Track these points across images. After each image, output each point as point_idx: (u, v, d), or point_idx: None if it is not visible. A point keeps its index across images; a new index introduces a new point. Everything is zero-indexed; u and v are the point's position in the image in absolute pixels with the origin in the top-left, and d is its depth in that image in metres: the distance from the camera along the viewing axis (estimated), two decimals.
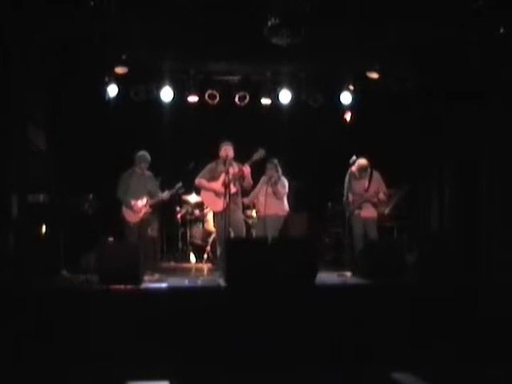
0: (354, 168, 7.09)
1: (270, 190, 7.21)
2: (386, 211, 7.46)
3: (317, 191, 8.58)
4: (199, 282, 6.44)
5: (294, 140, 8.73)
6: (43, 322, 5.03)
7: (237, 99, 8.54)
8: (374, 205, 7.11)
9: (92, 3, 5.51)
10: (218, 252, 7.03)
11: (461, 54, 6.84)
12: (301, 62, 7.95)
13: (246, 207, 7.72)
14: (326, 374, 4.58)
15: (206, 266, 7.98)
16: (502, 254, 6.56)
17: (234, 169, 6.69)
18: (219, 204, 6.69)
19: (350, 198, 7.16)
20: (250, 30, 6.21)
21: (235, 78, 8.55)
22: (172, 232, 8.50)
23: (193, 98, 8.43)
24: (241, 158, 6.84)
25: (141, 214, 6.91)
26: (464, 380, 4.54)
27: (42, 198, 6.93)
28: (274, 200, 7.22)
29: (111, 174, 7.37)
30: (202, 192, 7.04)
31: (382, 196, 7.03)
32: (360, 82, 8.37)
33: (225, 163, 6.75)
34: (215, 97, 8.44)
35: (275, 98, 8.53)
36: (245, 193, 7.23)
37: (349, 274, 6.71)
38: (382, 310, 5.43)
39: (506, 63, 6.38)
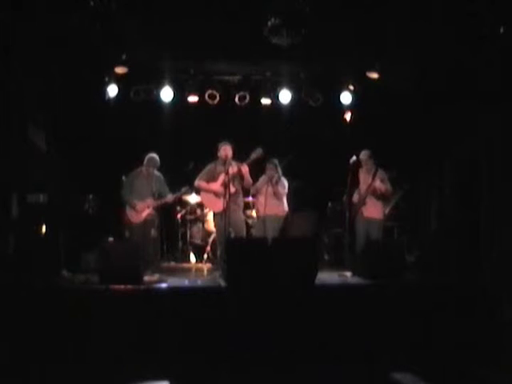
0: (362, 156, 7.11)
1: (270, 190, 7.21)
2: (386, 211, 7.45)
3: (317, 191, 8.57)
4: (199, 282, 6.44)
5: (293, 140, 8.72)
6: (43, 322, 5.03)
7: (237, 99, 8.54)
8: (379, 199, 7.09)
9: (92, 3, 5.51)
10: (218, 252, 7.03)
11: (461, 53, 6.84)
12: (301, 62, 7.95)
13: (246, 207, 7.72)
14: (325, 374, 4.59)
15: (205, 266, 7.97)
16: (502, 254, 6.55)
17: (233, 169, 6.70)
18: (219, 204, 6.69)
19: (355, 197, 7.18)
20: (250, 29, 6.21)
21: (235, 78, 8.54)
22: (172, 232, 8.50)
23: (193, 98, 8.43)
24: (241, 158, 6.84)
25: (144, 215, 6.92)
26: (464, 380, 4.55)
27: (41, 197, 6.92)
28: (273, 200, 7.23)
29: (111, 173, 7.38)
30: (202, 193, 7.05)
31: (378, 184, 6.99)
32: (360, 82, 8.36)
33: (224, 163, 6.76)
34: (215, 97, 8.43)
35: (275, 98, 8.53)
36: (246, 192, 7.24)
37: (349, 273, 6.71)
38: (382, 310, 5.43)
39: (506, 63, 6.38)
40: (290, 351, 4.99)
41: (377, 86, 8.14)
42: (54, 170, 7.61)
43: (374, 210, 7.11)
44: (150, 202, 6.95)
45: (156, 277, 6.38)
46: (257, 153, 6.70)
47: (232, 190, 6.63)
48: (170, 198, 7.05)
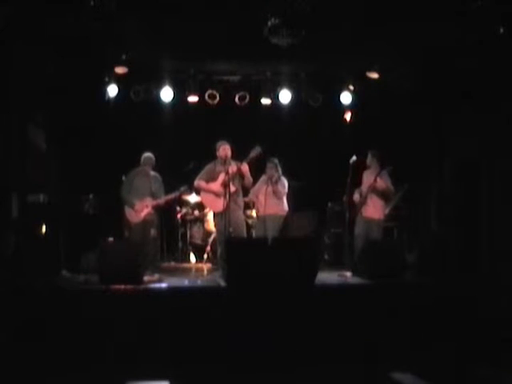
0: (368, 157, 7.19)
1: (270, 189, 7.22)
2: (386, 211, 7.46)
3: (317, 191, 8.57)
4: (199, 282, 6.44)
5: (294, 140, 8.72)
6: (43, 322, 5.03)
7: (237, 99, 8.54)
8: (380, 198, 7.10)
9: (92, 3, 5.51)
10: (218, 252, 7.03)
11: (461, 53, 6.84)
12: (301, 62, 7.95)
13: (246, 207, 7.71)
14: (326, 374, 4.59)
15: (205, 266, 7.97)
16: (502, 254, 6.56)
17: (232, 168, 6.70)
18: (219, 204, 6.69)
19: (356, 196, 7.19)
20: (250, 29, 6.20)
21: (235, 78, 8.54)
22: (172, 232, 8.49)
23: (193, 98, 8.43)
24: (241, 157, 6.84)
25: (143, 215, 6.91)
26: (464, 380, 4.55)
27: (42, 197, 6.92)
28: (274, 200, 7.23)
29: (111, 173, 7.37)
30: (202, 193, 7.04)
31: (379, 182, 7.01)
32: (360, 82, 8.36)
33: (224, 163, 6.76)
34: (215, 97, 8.44)
35: (275, 98, 8.53)
36: (246, 192, 7.25)
37: (349, 274, 6.71)
38: (382, 310, 5.43)
39: (506, 63, 6.38)
40: (290, 351, 4.99)
41: (377, 85, 8.14)
42: (54, 170, 7.62)
43: (374, 210, 7.11)
44: (149, 201, 6.95)
45: (156, 277, 6.38)
46: (256, 151, 6.70)
47: (232, 189, 6.63)
48: (167, 197, 7.06)
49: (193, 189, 7.39)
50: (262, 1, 5.83)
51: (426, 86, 7.85)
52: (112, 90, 7.93)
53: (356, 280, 6.37)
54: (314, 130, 8.79)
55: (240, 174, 6.75)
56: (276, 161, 7.31)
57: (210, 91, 8.41)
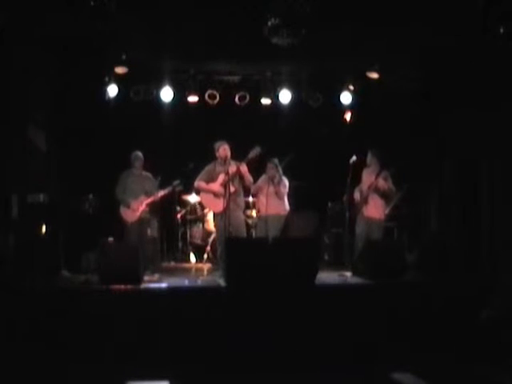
0: (368, 156, 7.20)
1: (271, 190, 7.22)
2: (386, 211, 7.46)
3: (317, 191, 8.57)
4: (199, 282, 6.43)
5: (294, 140, 8.72)
6: (43, 322, 5.03)
7: (237, 99, 8.54)
8: (381, 198, 7.10)
9: (92, 3, 5.51)
10: (218, 252, 7.03)
11: (461, 53, 6.84)
12: (301, 62, 7.95)
13: (246, 207, 7.72)
14: (326, 374, 4.59)
15: (205, 266, 7.97)
16: (502, 254, 6.55)
17: (232, 168, 6.70)
18: (219, 205, 6.69)
19: (357, 196, 7.19)
20: (250, 29, 6.20)
21: (235, 78, 8.54)
22: (172, 232, 8.49)
23: (193, 98, 8.43)
24: (241, 157, 6.85)
25: (138, 213, 6.94)
26: (464, 380, 4.55)
27: (42, 197, 6.92)
28: (275, 200, 7.24)
29: (111, 174, 7.37)
30: (202, 194, 7.05)
31: (381, 182, 7.02)
32: (360, 82, 8.36)
33: (224, 163, 6.76)
34: (215, 97, 8.44)
35: (275, 98, 8.53)
36: (246, 192, 7.25)
37: (349, 274, 6.71)
38: (382, 310, 5.43)
39: (506, 63, 6.38)
40: (290, 351, 4.99)
41: (377, 85, 8.14)
42: (54, 170, 7.62)
43: (374, 210, 7.12)
44: (144, 199, 6.99)
45: (156, 277, 6.39)
46: (255, 151, 6.70)
47: (232, 189, 6.63)
48: (161, 193, 7.10)
49: (192, 188, 7.41)
50: (262, 1, 5.83)
51: (425, 85, 7.85)
52: (112, 90, 7.93)
53: (356, 280, 6.37)
54: (314, 130, 8.79)
55: (239, 175, 6.76)
56: (276, 161, 7.32)
57: (209, 91, 8.41)
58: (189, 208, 8.58)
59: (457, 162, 7.68)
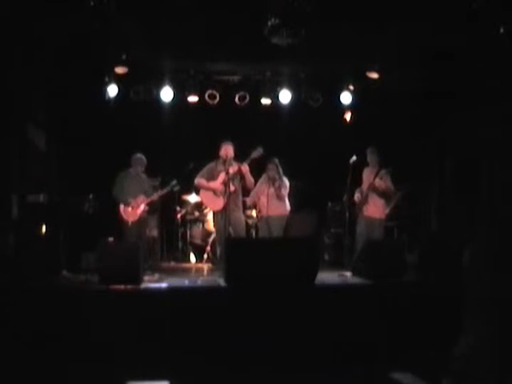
0: (367, 154, 7.19)
1: (272, 191, 7.23)
2: (386, 211, 7.46)
3: (317, 191, 8.57)
4: (199, 282, 6.43)
5: (294, 140, 8.72)
6: (43, 322, 5.03)
7: (237, 99, 8.54)
8: (381, 197, 7.10)
9: (92, 3, 5.51)
10: (218, 252, 7.03)
11: (461, 53, 6.84)
12: (301, 62, 7.94)
13: (246, 207, 7.72)
14: (325, 374, 4.58)
15: (206, 266, 7.97)
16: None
17: (233, 168, 6.71)
18: (218, 203, 6.70)
19: (357, 196, 7.20)
20: (250, 29, 6.20)
21: (235, 78, 8.54)
22: (172, 232, 8.50)
23: (193, 98, 8.42)
24: (241, 158, 6.85)
25: (139, 213, 6.96)
26: None
27: (42, 197, 6.93)
28: (276, 201, 7.25)
29: (111, 174, 7.37)
30: (201, 192, 7.05)
31: (378, 182, 7.02)
32: (360, 82, 8.36)
33: (225, 163, 6.76)
34: (215, 97, 8.43)
35: (275, 98, 8.53)
36: (246, 192, 7.25)
37: (349, 274, 6.71)
38: (382, 310, 5.43)
39: (506, 63, 6.38)
40: (290, 351, 4.99)
41: (377, 85, 8.14)
42: (54, 170, 7.62)
43: (375, 210, 7.12)
44: (143, 198, 7.02)
45: (156, 277, 6.39)
46: (257, 152, 6.71)
47: (232, 188, 6.64)
48: (159, 193, 7.12)
49: (192, 187, 7.41)
50: (262, 1, 5.83)
51: (425, 85, 7.85)
52: (112, 90, 7.93)
53: (356, 280, 6.37)
54: (314, 130, 8.78)
55: (240, 175, 6.76)
56: (277, 161, 7.31)
57: (209, 91, 8.41)
58: (189, 208, 8.58)
59: (457, 162, 7.68)
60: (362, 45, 6.91)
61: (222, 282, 6.02)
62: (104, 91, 7.90)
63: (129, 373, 4.55)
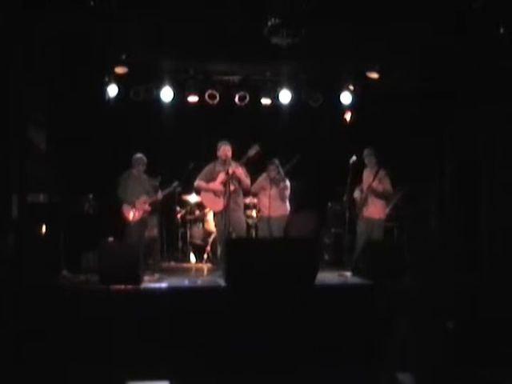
0: (364, 154, 7.20)
1: (273, 192, 7.23)
2: (386, 211, 7.46)
3: (317, 191, 8.57)
4: (199, 282, 6.44)
5: (294, 140, 8.72)
6: (43, 322, 5.03)
7: (237, 99, 8.54)
8: (380, 199, 7.10)
9: (92, 3, 5.51)
10: (218, 252, 7.03)
11: (461, 53, 6.84)
12: (301, 62, 7.94)
13: (246, 207, 7.72)
14: (326, 374, 4.59)
15: (205, 266, 7.97)
16: (502, 254, 6.55)
17: (232, 168, 6.70)
18: (219, 204, 6.70)
19: (357, 195, 7.20)
20: (250, 29, 6.20)
21: (235, 78, 8.54)
22: (172, 232, 8.50)
23: (193, 98, 8.42)
24: (240, 157, 6.85)
25: (142, 213, 6.98)
26: (463, 380, 4.55)
27: (42, 197, 6.93)
28: (277, 202, 7.26)
29: (111, 174, 7.38)
30: (202, 193, 7.06)
31: (376, 184, 7.03)
32: (360, 82, 8.36)
33: (224, 163, 6.77)
34: (215, 97, 8.43)
35: (275, 98, 8.53)
36: (246, 193, 7.25)
37: (349, 274, 6.71)
38: (381, 310, 5.43)
39: (506, 63, 6.38)
40: (290, 351, 4.99)
41: (377, 85, 8.14)
42: (54, 170, 7.62)
43: (375, 210, 7.13)
44: (146, 199, 7.03)
45: (156, 277, 6.39)
46: (254, 150, 6.71)
47: (231, 187, 6.64)
48: (160, 195, 7.16)
49: (192, 188, 7.42)
50: (262, 1, 5.83)
51: (425, 85, 7.84)
52: (112, 90, 7.92)
53: (356, 280, 6.37)
54: (314, 130, 8.78)
55: (235, 177, 6.75)
56: (277, 162, 7.31)
57: (209, 91, 8.41)
58: (189, 208, 8.58)
59: (457, 162, 7.68)
60: (362, 45, 6.91)
61: (221, 282, 6.02)
62: (104, 91, 7.90)
63: (129, 373, 4.55)
